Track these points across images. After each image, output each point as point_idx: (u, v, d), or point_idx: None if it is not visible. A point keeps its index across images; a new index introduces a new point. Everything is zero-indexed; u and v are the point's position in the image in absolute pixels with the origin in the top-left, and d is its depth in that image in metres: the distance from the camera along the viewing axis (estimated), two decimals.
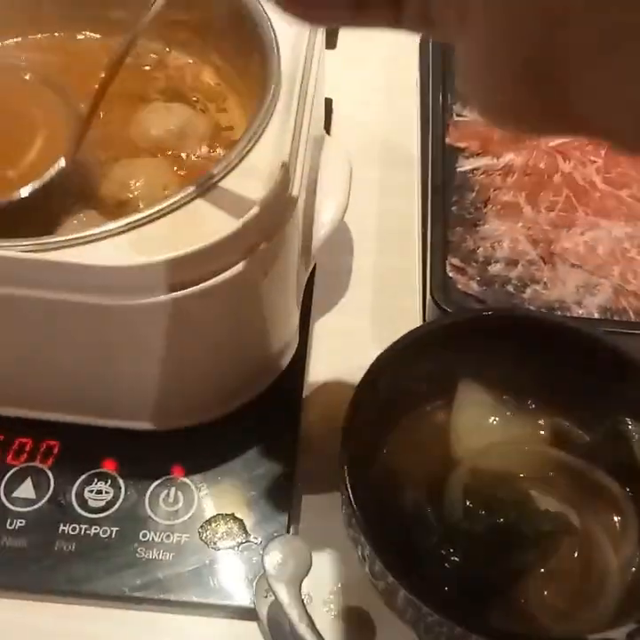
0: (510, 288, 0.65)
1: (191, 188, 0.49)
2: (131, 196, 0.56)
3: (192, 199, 0.49)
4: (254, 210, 0.48)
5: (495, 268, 0.66)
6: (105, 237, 0.47)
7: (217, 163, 0.51)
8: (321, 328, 0.69)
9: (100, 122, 0.58)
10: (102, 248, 0.47)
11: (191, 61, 0.66)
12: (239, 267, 0.49)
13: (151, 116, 0.61)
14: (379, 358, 0.51)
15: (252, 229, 0.48)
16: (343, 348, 0.67)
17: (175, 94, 0.64)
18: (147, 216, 0.48)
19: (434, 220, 0.66)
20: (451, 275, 0.65)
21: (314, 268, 0.69)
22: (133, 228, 0.47)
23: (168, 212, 0.48)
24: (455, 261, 0.65)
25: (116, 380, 0.56)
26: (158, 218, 0.48)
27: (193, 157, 0.60)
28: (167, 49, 0.66)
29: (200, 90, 0.64)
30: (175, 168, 0.59)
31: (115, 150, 0.59)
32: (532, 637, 0.48)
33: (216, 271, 0.49)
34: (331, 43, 0.88)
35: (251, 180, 0.50)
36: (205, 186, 0.49)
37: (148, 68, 0.65)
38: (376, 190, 0.77)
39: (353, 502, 0.46)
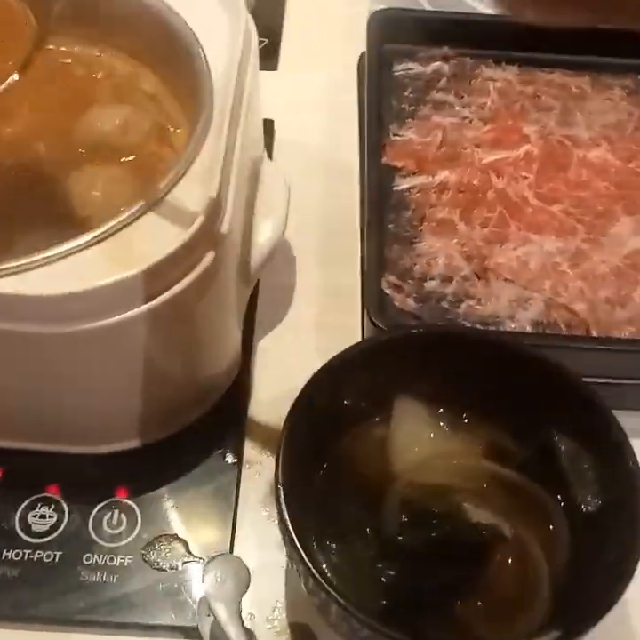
0: (445, 304, 0.66)
1: (123, 215, 0.49)
2: (90, 211, 0.56)
3: (125, 225, 0.49)
4: (188, 231, 0.48)
5: (431, 285, 0.67)
6: (40, 265, 0.47)
7: (151, 186, 0.51)
8: (265, 345, 0.69)
9: (46, 127, 0.59)
10: (36, 276, 0.47)
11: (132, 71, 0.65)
12: (174, 290, 0.50)
13: (95, 113, 0.61)
14: (314, 377, 0.52)
15: (185, 251, 0.49)
16: (287, 366, 0.67)
17: (118, 99, 0.64)
18: (82, 243, 0.48)
19: (369, 239, 0.67)
20: (388, 292, 0.66)
21: (257, 287, 0.69)
22: (68, 255, 0.48)
23: (102, 239, 0.48)
24: (392, 279, 0.66)
25: (57, 406, 0.56)
26: (93, 245, 0.48)
27: (142, 157, 0.60)
28: (103, 55, 0.66)
29: (143, 93, 0.64)
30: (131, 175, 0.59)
31: (64, 153, 0.59)
32: None
33: (150, 296, 0.49)
34: (271, 65, 0.89)
35: (184, 202, 0.50)
36: (139, 210, 0.50)
37: (86, 72, 0.65)
38: (319, 209, 0.78)
39: (287, 519, 0.46)
